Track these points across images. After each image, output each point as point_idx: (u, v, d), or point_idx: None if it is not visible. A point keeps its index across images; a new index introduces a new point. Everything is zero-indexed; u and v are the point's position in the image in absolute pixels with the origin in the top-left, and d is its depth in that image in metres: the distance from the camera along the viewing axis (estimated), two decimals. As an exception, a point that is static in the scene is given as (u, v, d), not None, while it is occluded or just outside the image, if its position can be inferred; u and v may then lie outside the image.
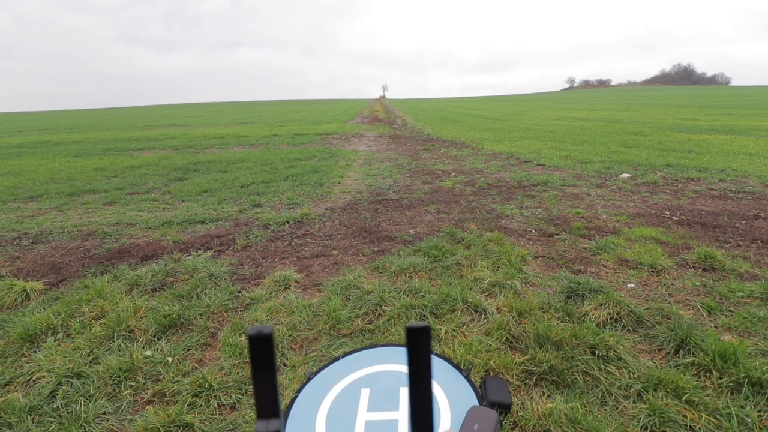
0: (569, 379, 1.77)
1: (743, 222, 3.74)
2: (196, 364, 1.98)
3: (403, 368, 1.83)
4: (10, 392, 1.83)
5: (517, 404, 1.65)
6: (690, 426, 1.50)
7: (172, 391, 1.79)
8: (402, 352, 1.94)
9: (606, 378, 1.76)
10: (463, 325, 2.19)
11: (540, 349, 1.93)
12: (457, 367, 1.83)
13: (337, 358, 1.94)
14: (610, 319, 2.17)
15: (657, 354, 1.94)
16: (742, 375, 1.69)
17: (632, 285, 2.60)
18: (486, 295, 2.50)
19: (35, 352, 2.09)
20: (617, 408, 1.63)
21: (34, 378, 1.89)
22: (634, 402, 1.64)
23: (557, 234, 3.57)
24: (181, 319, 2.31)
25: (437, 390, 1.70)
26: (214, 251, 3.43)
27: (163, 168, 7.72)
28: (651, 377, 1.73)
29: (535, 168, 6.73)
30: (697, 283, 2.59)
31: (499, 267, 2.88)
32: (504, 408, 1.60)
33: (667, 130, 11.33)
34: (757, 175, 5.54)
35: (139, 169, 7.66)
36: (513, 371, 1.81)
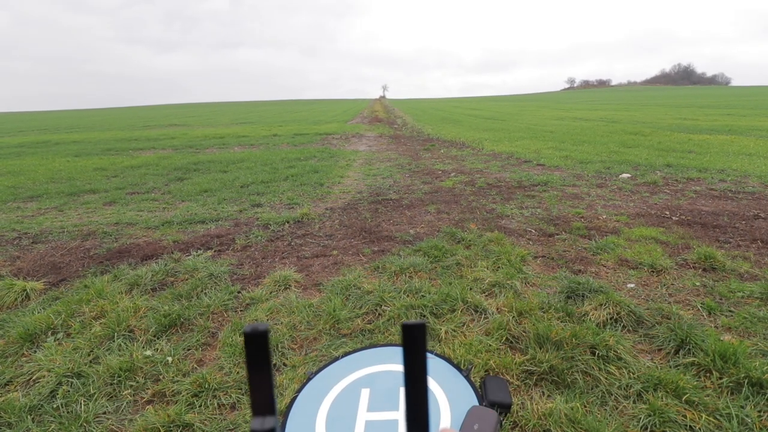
0: (569, 379, 1.77)
1: (743, 222, 3.74)
2: (196, 364, 1.98)
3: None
4: (10, 392, 1.83)
5: (517, 404, 1.65)
6: (690, 426, 1.51)
7: (172, 390, 1.79)
8: (401, 352, 1.94)
9: (606, 378, 1.76)
10: (463, 325, 2.19)
11: (540, 349, 1.93)
12: (457, 367, 1.83)
13: (337, 358, 1.94)
14: (610, 319, 2.17)
15: (657, 354, 1.94)
16: (742, 375, 1.69)
17: (632, 285, 2.60)
18: (486, 295, 2.50)
19: (35, 351, 2.09)
20: (617, 408, 1.63)
21: (34, 378, 1.89)
22: (634, 402, 1.64)
23: (557, 234, 3.57)
24: (181, 319, 2.32)
25: (437, 390, 1.70)
26: (214, 251, 3.43)
27: (163, 168, 7.72)
28: (651, 377, 1.73)
29: (535, 168, 6.73)
30: (697, 283, 2.59)
31: (499, 267, 2.88)
32: (504, 408, 1.60)
33: (667, 130, 11.33)
34: (757, 175, 5.54)
35: (139, 169, 7.66)
36: (513, 371, 1.81)
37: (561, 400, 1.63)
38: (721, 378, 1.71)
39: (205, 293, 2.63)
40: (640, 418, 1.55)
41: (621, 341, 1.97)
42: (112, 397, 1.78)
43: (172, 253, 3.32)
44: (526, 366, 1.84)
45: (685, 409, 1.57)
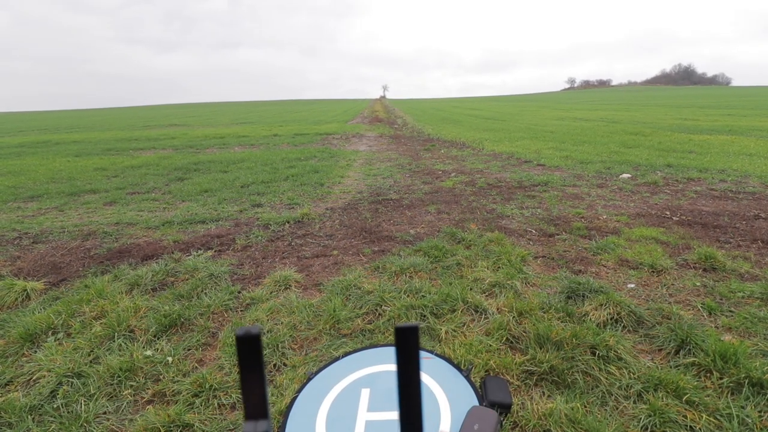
0: (569, 380, 1.77)
1: (744, 222, 3.74)
2: (196, 364, 1.98)
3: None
4: (10, 392, 1.83)
5: (517, 404, 1.65)
6: (690, 426, 1.50)
7: (173, 390, 1.79)
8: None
9: (606, 378, 1.76)
10: (464, 326, 2.19)
11: (540, 349, 1.93)
12: (457, 367, 1.83)
13: (337, 358, 1.94)
14: (611, 319, 2.17)
15: (657, 354, 1.94)
16: (743, 375, 1.69)
17: (632, 285, 2.60)
18: (486, 295, 2.50)
19: (36, 351, 2.09)
20: (617, 408, 1.63)
21: (34, 378, 1.89)
22: (634, 402, 1.64)
23: (557, 234, 3.57)
24: (182, 319, 2.32)
25: (438, 390, 1.70)
26: (215, 251, 3.43)
27: (163, 168, 7.73)
28: (651, 377, 1.73)
29: (535, 168, 6.73)
30: (698, 284, 2.58)
31: (499, 267, 2.88)
32: (504, 408, 1.60)
33: (668, 131, 11.32)
34: (757, 176, 5.53)
35: (140, 169, 7.66)
36: (513, 371, 1.81)
37: (561, 401, 1.63)
38: (721, 378, 1.71)
39: (206, 293, 2.63)
40: (641, 418, 1.55)
41: (621, 341, 1.97)
42: (112, 397, 1.78)
43: (173, 253, 3.32)
44: (526, 366, 1.84)
45: (685, 409, 1.57)
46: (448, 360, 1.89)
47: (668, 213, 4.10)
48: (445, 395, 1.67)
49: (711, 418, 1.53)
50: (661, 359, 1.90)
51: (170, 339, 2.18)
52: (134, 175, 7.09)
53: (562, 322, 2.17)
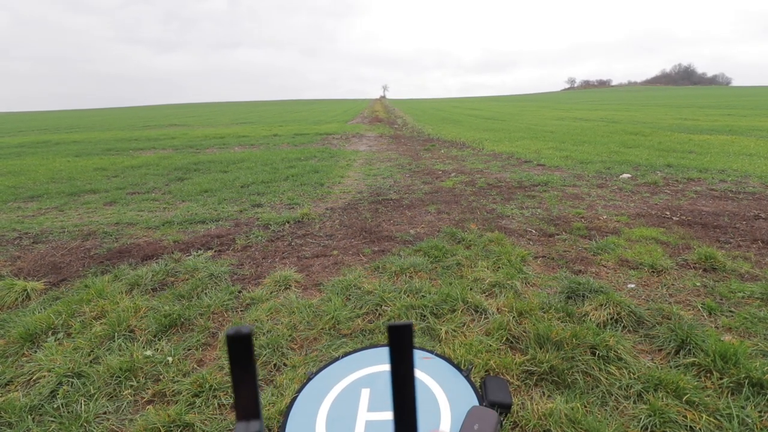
0: (569, 380, 1.77)
1: (744, 222, 3.74)
2: (196, 364, 1.98)
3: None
4: (10, 392, 1.83)
5: (517, 404, 1.65)
6: (690, 426, 1.50)
7: (173, 390, 1.79)
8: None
9: (606, 378, 1.76)
10: (464, 325, 2.19)
11: (540, 349, 1.93)
12: (457, 367, 1.83)
13: (337, 358, 1.94)
14: (611, 319, 2.17)
15: (657, 354, 1.94)
16: (743, 375, 1.69)
17: (633, 285, 2.60)
18: (486, 296, 2.50)
19: (36, 351, 2.09)
20: (617, 408, 1.63)
21: (34, 378, 1.89)
22: (634, 402, 1.64)
23: (558, 234, 3.57)
24: (182, 319, 2.32)
25: (437, 390, 1.70)
26: (215, 251, 3.43)
27: (163, 168, 7.73)
28: (651, 377, 1.73)
29: (535, 168, 6.73)
30: (698, 284, 2.58)
31: (499, 267, 2.88)
32: (504, 408, 1.60)
33: (668, 131, 11.32)
34: (757, 176, 5.53)
35: (140, 169, 7.66)
36: (513, 371, 1.81)
37: (561, 401, 1.63)
38: (721, 378, 1.71)
39: (206, 293, 2.63)
40: (641, 418, 1.55)
41: (621, 341, 1.97)
42: (112, 397, 1.78)
43: (173, 253, 3.32)
44: (526, 366, 1.84)
45: (685, 409, 1.57)
46: (448, 360, 1.89)
47: (668, 213, 4.10)
48: (445, 395, 1.67)
49: (711, 418, 1.53)
50: (661, 359, 1.90)
51: (170, 339, 2.18)
52: (134, 175, 7.09)
53: (562, 322, 2.17)
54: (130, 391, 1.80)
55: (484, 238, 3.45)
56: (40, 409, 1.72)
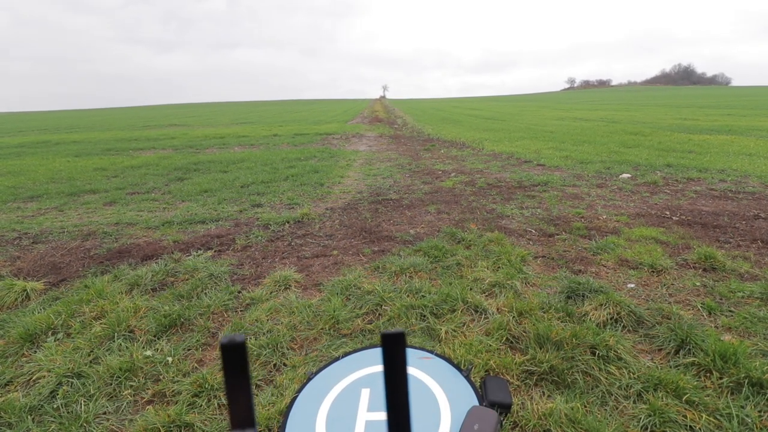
0: (569, 379, 1.77)
1: (743, 222, 3.74)
2: (196, 364, 1.98)
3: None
4: (10, 392, 1.83)
5: (517, 404, 1.65)
6: (690, 426, 1.50)
7: (173, 391, 1.79)
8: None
9: (606, 378, 1.76)
10: (464, 325, 2.19)
11: (540, 349, 1.93)
12: (457, 367, 1.84)
13: (337, 358, 1.94)
14: (611, 319, 2.17)
15: (657, 354, 1.94)
16: (743, 375, 1.69)
17: (632, 285, 2.60)
18: (486, 295, 2.50)
19: (35, 352, 2.09)
20: (617, 408, 1.63)
21: (34, 378, 1.89)
22: (634, 402, 1.64)
23: (557, 234, 3.57)
24: (182, 319, 2.32)
25: (437, 390, 1.70)
26: (215, 251, 3.43)
27: (163, 168, 7.73)
28: (651, 377, 1.73)
29: (535, 168, 6.73)
30: (698, 284, 2.58)
31: (499, 267, 2.88)
32: (504, 408, 1.60)
33: (668, 130, 11.33)
34: (757, 176, 5.54)
35: (140, 169, 7.66)
36: (513, 371, 1.81)
37: (561, 400, 1.63)
38: (721, 378, 1.71)
39: (206, 293, 2.63)
40: (641, 418, 1.55)
41: (621, 341, 1.97)
42: (112, 397, 1.78)
43: (173, 253, 3.32)
44: (526, 366, 1.84)
45: (685, 409, 1.57)
46: (448, 360, 1.89)
47: (668, 213, 4.10)
48: (445, 395, 1.67)
49: (711, 418, 1.53)
50: (661, 359, 1.90)
51: (170, 339, 2.18)
52: (134, 175, 7.09)
53: (562, 322, 2.17)
54: (129, 391, 1.80)
55: (484, 238, 3.45)
56: (39, 409, 1.72)
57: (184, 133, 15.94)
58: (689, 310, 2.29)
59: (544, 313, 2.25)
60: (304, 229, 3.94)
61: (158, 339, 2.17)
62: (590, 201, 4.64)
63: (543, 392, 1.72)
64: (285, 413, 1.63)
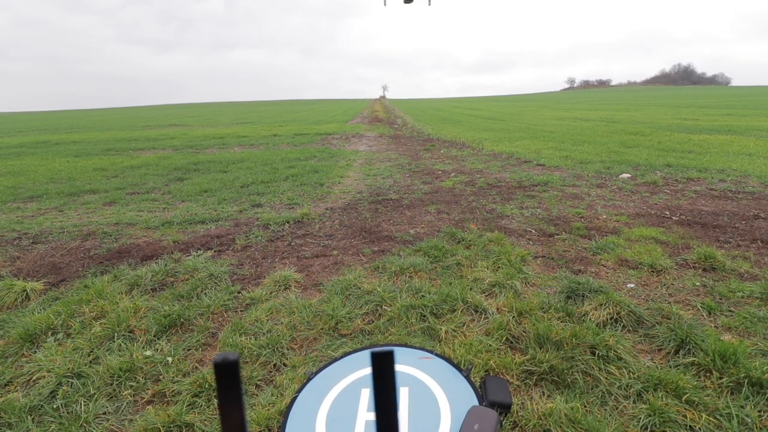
0: (569, 379, 1.77)
1: (743, 222, 3.75)
2: (196, 364, 1.98)
3: (404, 368, 1.83)
4: (10, 392, 1.83)
5: (517, 404, 1.65)
6: (690, 426, 1.51)
7: (173, 391, 1.79)
8: (402, 352, 1.94)
9: (606, 378, 1.76)
10: (464, 325, 2.19)
11: (540, 349, 1.93)
12: (457, 367, 1.84)
13: (337, 358, 1.94)
14: (610, 319, 2.17)
15: (657, 354, 1.94)
16: (742, 375, 1.69)
17: (632, 285, 2.60)
18: (486, 295, 2.50)
19: (35, 352, 2.09)
20: (617, 408, 1.63)
21: (34, 378, 1.89)
22: (634, 402, 1.64)
23: (557, 234, 3.57)
24: (182, 319, 2.32)
25: (437, 390, 1.70)
26: (214, 251, 3.43)
27: (163, 168, 7.73)
28: (651, 377, 1.73)
29: (535, 168, 6.73)
30: (697, 283, 2.59)
31: (499, 267, 2.88)
32: (504, 408, 1.60)
33: (667, 130, 11.33)
34: (757, 176, 5.54)
35: (139, 169, 7.66)
36: (513, 371, 1.81)
37: (561, 400, 1.63)
38: (721, 378, 1.71)
39: (205, 293, 2.63)
40: (640, 418, 1.55)
41: (621, 341, 1.97)
42: (112, 397, 1.78)
43: (172, 253, 3.32)
44: (526, 366, 1.84)
45: (685, 409, 1.57)
46: (448, 360, 1.89)
47: (668, 213, 4.10)
48: (445, 395, 1.67)
49: (711, 418, 1.53)
50: (660, 359, 1.90)
51: (170, 339, 2.18)
52: (134, 176, 7.09)
53: (561, 322, 2.17)
54: (129, 391, 1.80)
55: (484, 238, 3.45)
56: (39, 409, 1.71)
57: (184, 133, 15.93)
58: (689, 309, 2.29)
59: (544, 313, 2.25)
60: (303, 229, 3.94)
61: (158, 339, 2.17)
62: (590, 201, 4.64)
63: (543, 392, 1.72)
64: (285, 413, 1.63)
